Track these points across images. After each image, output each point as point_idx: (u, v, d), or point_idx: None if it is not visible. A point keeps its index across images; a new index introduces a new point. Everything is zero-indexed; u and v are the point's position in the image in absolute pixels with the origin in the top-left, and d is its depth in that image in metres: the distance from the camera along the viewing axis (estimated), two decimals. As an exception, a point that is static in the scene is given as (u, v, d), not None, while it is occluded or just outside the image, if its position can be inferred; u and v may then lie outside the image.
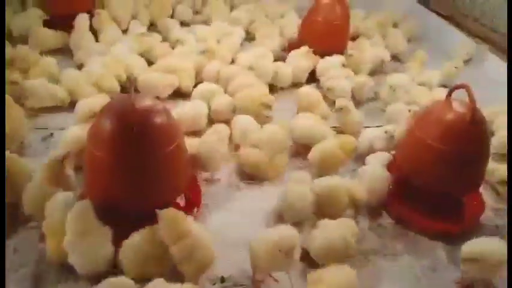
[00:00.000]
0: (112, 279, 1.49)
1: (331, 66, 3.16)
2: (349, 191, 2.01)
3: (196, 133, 2.45)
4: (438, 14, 4.26)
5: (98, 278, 1.55)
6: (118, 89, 2.73)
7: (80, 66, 2.95)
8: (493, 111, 2.80)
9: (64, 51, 3.19)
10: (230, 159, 2.38)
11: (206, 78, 2.94)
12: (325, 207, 1.99)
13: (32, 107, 2.55)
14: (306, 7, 3.53)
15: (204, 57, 3.06)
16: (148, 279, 1.55)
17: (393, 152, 2.31)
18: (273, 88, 3.04)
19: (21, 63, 2.77)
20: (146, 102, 1.68)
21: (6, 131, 2.06)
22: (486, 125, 1.97)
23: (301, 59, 3.17)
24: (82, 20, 3.22)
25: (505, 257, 1.72)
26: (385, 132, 2.36)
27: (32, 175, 1.88)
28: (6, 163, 1.84)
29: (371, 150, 2.39)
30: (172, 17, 3.84)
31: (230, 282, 1.76)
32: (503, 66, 3.43)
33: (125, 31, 3.46)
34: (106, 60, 2.89)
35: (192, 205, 2.00)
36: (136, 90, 2.71)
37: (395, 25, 4.03)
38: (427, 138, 1.97)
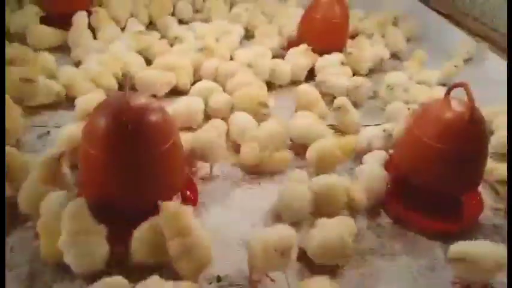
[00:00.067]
0: (107, 279, 1.48)
1: (330, 64, 3.15)
2: (347, 192, 2.00)
3: (192, 129, 2.44)
4: (438, 12, 4.24)
5: (94, 277, 1.54)
6: (116, 86, 2.71)
7: (77, 64, 2.93)
8: (492, 110, 2.79)
9: (62, 49, 3.17)
10: (228, 157, 2.37)
11: (204, 75, 2.92)
12: (323, 206, 1.98)
13: (29, 105, 2.53)
14: (306, 5, 3.51)
15: (202, 54, 3.04)
16: (145, 277, 1.54)
17: (391, 151, 2.31)
18: (271, 86, 3.02)
19: (21, 63, 2.74)
20: (141, 100, 1.66)
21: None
22: (485, 124, 1.95)
23: (300, 57, 3.15)
24: (80, 18, 3.21)
25: (499, 260, 1.72)
26: (384, 130, 2.35)
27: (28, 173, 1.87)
28: (6, 158, 1.83)
29: (370, 149, 2.37)
30: (173, 15, 3.82)
31: (226, 282, 1.75)
32: (503, 65, 3.42)
33: (123, 29, 3.44)
34: (104, 58, 2.87)
35: (188, 203, 1.98)
36: (134, 88, 2.73)
37: (395, 24, 4.01)
38: (425, 137, 1.96)
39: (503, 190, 2.20)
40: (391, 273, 1.88)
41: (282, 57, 3.24)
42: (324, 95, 2.86)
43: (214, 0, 3.94)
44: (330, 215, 1.90)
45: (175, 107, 2.44)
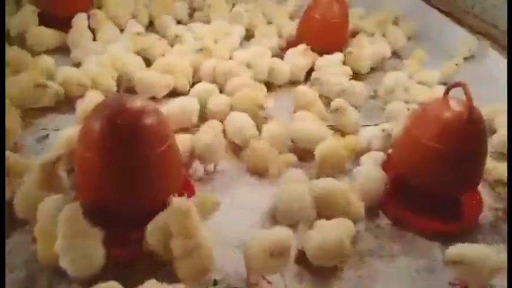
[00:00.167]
0: (102, 285, 1.46)
1: (329, 64, 3.13)
2: (346, 198, 1.98)
3: (187, 130, 2.45)
4: (439, 10, 4.21)
5: (90, 281, 1.55)
6: (114, 87, 2.70)
7: (76, 65, 2.93)
8: (494, 108, 2.78)
9: (61, 50, 3.16)
10: (226, 157, 2.37)
11: (203, 76, 2.92)
12: (322, 210, 1.96)
13: (29, 108, 2.53)
14: (305, 6, 3.50)
15: (201, 55, 3.04)
16: (142, 280, 1.53)
17: (390, 151, 2.29)
18: (270, 86, 3.02)
19: (20, 66, 2.75)
20: (137, 102, 1.65)
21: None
22: (483, 123, 1.94)
23: (299, 57, 3.14)
24: (80, 20, 3.21)
25: (497, 262, 1.71)
26: (383, 130, 2.34)
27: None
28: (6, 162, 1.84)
29: (369, 149, 2.36)
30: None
31: (223, 285, 1.74)
32: (504, 63, 3.39)
33: (123, 30, 3.43)
34: (102, 59, 2.87)
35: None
36: (133, 90, 2.73)
37: (395, 23, 3.98)
38: (423, 137, 1.95)
39: (502, 190, 2.18)
40: (389, 274, 1.87)
41: (281, 57, 3.23)
42: (322, 95, 2.85)
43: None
44: (329, 218, 1.89)
45: (170, 108, 2.44)
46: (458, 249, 1.74)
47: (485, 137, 1.95)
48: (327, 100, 2.83)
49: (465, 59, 3.50)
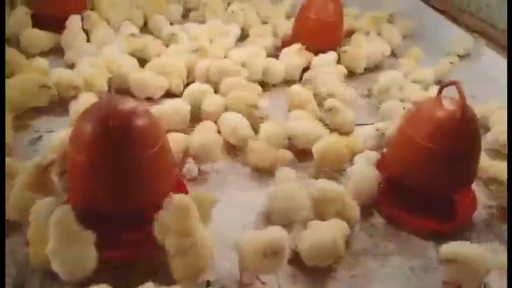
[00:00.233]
0: None
1: (325, 63, 3.13)
2: (343, 201, 1.96)
3: (181, 130, 2.43)
4: (435, 8, 4.21)
5: (82, 284, 1.54)
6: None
7: (70, 66, 2.92)
8: (488, 107, 2.78)
9: (55, 52, 3.15)
10: (220, 157, 2.36)
11: (198, 76, 2.91)
12: (318, 211, 1.95)
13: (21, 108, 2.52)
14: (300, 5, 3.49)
15: (197, 56, 3.03)
16: (135, 282, 1.52)
17: (384, 150, 2.29)
18: (265, 85, 3.01)
19: (11, 67, 2.74)
20: (128, 104, 1.65)
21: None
22: (477, 122, 1.94)
23: (294, 57, 3.14)
24: (74, 21, 3.20)
25: (490, 261, 1.72)
26: (377, 129, 2.34)
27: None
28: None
29: (365, 148, 2.36)
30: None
31: (217, 286, 1.74)
32: (500, 61, 3.40)
33: (117, 31, 3.42)
34: (97, 61, 2.86)
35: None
36: (127, 91, 2.72)
37: (390, 21, 3.98)
38: (417, 137, 1.94)
39: (496, 188, 2.17)
40: (383, 273, 1.87)
41: (276, 56, 3.22)
42: (316, 95, 2.83)
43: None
44: (324, 219, 1.89)
45: (161, 110, 2.42)
46: (452, 248, 1.74)
47: (478, 135, 1.95)
48: (321, 100, 2.81)
49: (461, 57, 3.51)
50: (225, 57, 3.14)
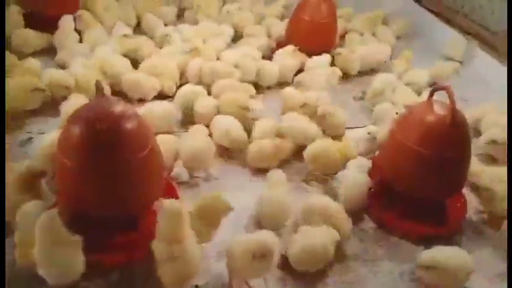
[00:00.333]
0: None
1: (318, 65, 3.12)
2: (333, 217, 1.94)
3: (171, 132, 2.45)
4: (429, 10, 4.21)
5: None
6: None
7: (62, 67, 2.90)
8: (480, 110, 2.78)
9: (47, 52, 3.13)
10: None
11: (190, 77, 2.90)
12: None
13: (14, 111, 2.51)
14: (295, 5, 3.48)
15: (190, 56, 3.02)
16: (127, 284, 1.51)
17: (376, 154, 2.29)
18: (259, 87, 3.00)
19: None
20: (116, 107, 1.63)
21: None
22: (467, 127, 1.93)
23: (287, 58, 3.13)
24: (66, 21, 3.18)
25: (470, 266, 1.75)
26: (368, 133, 2.34)
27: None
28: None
29: (358, 151, 2.37)
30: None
31: (206, 290, 1.74)
32: (492, 63, 3.40)
33: (110, 32, 3.40)
34: (89, 62, 2.85)
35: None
36: (120, 92, 2.71)
37: (384, 22, 3.98)
38: (407, 141, 1.94)
39: (484, 195, 2.16)
40: (373, 279, 1.87)
41: (270, 58, 3.22)
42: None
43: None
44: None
45: (149, 111, 2.41)
46: (431, 254, 1.77)
47: (469, 140, 1.95)
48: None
49: (454, 59, 3.52)
50: (218, 58, 3.13)
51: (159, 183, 1.82)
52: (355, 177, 2.11)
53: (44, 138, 2.15)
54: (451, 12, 4.06)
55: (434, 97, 1.98)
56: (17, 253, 1.66)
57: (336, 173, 2.25)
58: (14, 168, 1.86)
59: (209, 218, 1.76)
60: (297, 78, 2.97)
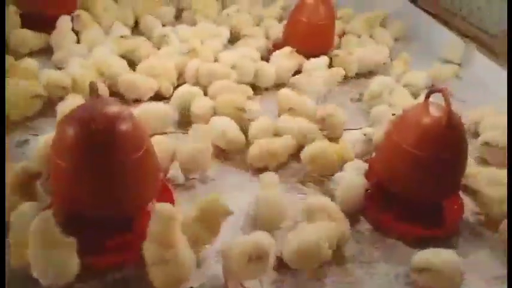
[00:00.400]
0: None
1: (316, 67, 3.12)
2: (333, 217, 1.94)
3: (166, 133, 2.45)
4: (427, 12, 4.21)
5: (64, 290, 1.53)
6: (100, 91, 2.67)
7: (59, 67, 2.90)
8: (478, 113, 2.78)
9: (44, 52, 3.13)
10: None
11: (188, 77, 2.90)
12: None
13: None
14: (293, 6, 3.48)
15: (188, 57, 3.02)
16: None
17: (372, 156, 2.29)
18: (256, 89, 3.00)
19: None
20: (111, 107, 1.63)
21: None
22: (463, 129, 1.93)
23: (285, 60, 3.13)
24: (64, 22, 3.18)
25: (463, 268, 1.74)
26: (364, 134, 2.33)
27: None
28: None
29: (354, 153, 2.36)
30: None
31: (201, 292, 1.73)
32: (490, 66, 3.40)
33: (108, 32, 3.40)
34: (87, 62, 2.85)
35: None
36: (117, 93, 2.71)
37: (382, 25, 3.98)
38: (403, 143, 1.93)
39: (478, 199, 2.15)
40: (369, 281, 1.86)
41: (268, 59, 3.21)
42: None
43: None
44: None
45: (144, 112, 2.40)
46: (425, 256, 1.76)
47: (465, 142, 1.94)
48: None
49: (452, 62, 3.52)
50: (216, 59, 3.13)
51: (154, 184, 1.82)
52: (351, 179, 2.11)
53: (40, 139, 2.15)
54: (449, 14, 4.06)
55: (432, 99, 1.98)
56: (11, 254, 1.65)
57: (333, 175, 2.24)
58: (11, 170, 1.85)
59: (209, 222, 1.75)
60: (291, 80, 2.96)
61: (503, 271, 1.94)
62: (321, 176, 2.32)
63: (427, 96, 1.97)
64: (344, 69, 3.17)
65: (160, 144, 2.14)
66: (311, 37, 3.26)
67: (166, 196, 2.01)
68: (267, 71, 3.03)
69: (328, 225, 1.85)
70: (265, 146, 2.32)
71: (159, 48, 3.20)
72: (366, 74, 3.36)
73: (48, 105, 2.58)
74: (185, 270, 1.60)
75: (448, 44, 3.71)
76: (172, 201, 2.01)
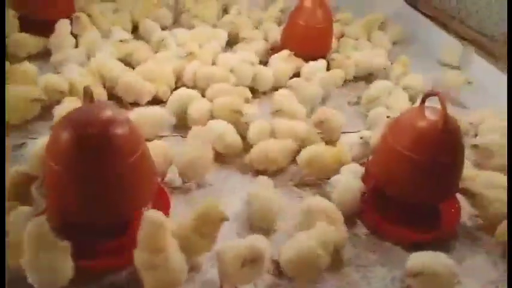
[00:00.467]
0: None
1: (314, 70, 3.12)
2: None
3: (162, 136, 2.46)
4: (425, 15, 4.21)
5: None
6: (99, 95, 2.68)
7: (56, 69, 2.90)
8: (477, 116, 2.78)
9: (42, 56, 3.12)
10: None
11: (186, 80, 2.91)
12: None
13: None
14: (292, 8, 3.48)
15: (186, 61, 3.02)
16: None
17: (369, 158, 2.28)
18: (254, 92, 2.99)
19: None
20: (106, 111, 1.62)
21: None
22: (460, 132, 1.93)
23: (282, 63, 3.13)
24: (63, 25, 3.18)
25: (456, 271, 1.74)
26: (361, 138, 2.33)
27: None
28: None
29: (351, 156, 2.36)
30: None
31: (196, 295, 1.73)
32: (489, 69, 3.39)
33: (107, 36, 3.40)
34: (86, 65, 2.86)
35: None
36: (115, 96, 2.72)
37: (381, 28, 3.98)
38: (398, 146, 1.93)
39: (475, 201, 2.14)
40: (365, 284, 1.86)
41: (267, 63, 3.22)
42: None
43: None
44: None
45: (140, 116, 2.40)
46: (418, 260, 1.76)
47: (461, 146, 1.94)
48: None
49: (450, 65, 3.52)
50: (214, 63, 3.13)
51: (150, 188, 1.81)
52: (348, 182, 2.10)
53: (37, 143, 2.14)
54: (448, 17, 4.06)
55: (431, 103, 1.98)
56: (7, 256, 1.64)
57: (329, 178, 2.24)
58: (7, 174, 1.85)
59: (206, 228, 1.74)
60: (289, 83, 2.96)
61: (500, 275, 1.95)
62: (318, 179, 2.32)
63: (423, 100, 1.97)
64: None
65: (157, 148, 2.14)
66: (309, 40, 3.26)
67: (162, 200, 2.01)
68: (265, 75, 3.03)
69: (325, 231, 1.82)
70: (266, 149, 2.33)
71: (156, 52, 3.20)
72: (364, 77, 3.36)
73: (46, 109, 2.58)
74: (176, 275, 1.60)
75: (446, 47, 3.71)
76: (168, 205, 2.01)
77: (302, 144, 2.38)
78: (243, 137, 2.46)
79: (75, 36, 3.20)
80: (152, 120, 2.44)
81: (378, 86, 2.98)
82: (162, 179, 2.18)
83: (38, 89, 2.59)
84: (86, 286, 1.69)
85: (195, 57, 3.04)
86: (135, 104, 2.74)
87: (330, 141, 2.52)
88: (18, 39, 3.10)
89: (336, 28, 3.61)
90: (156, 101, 2.79)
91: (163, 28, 3.60)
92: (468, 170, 2.21)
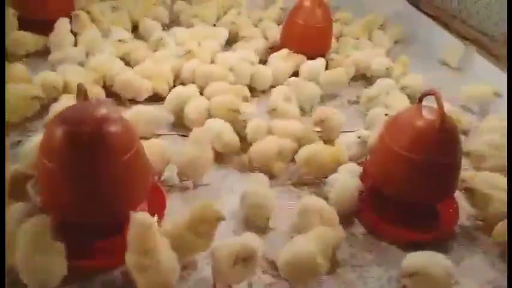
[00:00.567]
0: None
1: (313, 69, 3.10)
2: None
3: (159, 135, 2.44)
4: (427, 14, 4.19)
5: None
6: (98, 93, 2.68)
7: (55, 67, 2.89)
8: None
9: (41, 54, 3.12)
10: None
11: (184, 78, 2.90)
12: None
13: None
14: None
15: (185, 59, 3.01)
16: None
17: (366, 158, 2.27)
18: (253, 91, 2.98)
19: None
20: (100, 109, 1.62)
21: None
22: (457, 132, 1.91)
23: (281, 62, 3.11)
24: (63, 24, 3.18)
25: (452, 271, 1.73)
26: (358, 137, 2.32)
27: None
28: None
29: (349, 155, 2.35)
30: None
31: (190, 295, 1.72)
32: (490, 69, 3.37)
33: (106, 34, 3.40)
34: (85, 63, 2.86)
35: (154, 214, 1.93)
36: (113, 93, 2.71)
37: (381, 28, 3.97)
38: (395, 146, 1.91)
39: (474, 200, 2.13)
40: (361, 284, 1.84)
41: (266, 62, 3.21)
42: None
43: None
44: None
45: (138, 114, 2.40)
46: (414, 260, 1.75)
47: (459, 145, 1.92)
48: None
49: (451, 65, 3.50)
50: (213, 61, 3.12)
51: (144, 187, 1.80)
52: (345, 181, 2.09)
53: (32, 140, 2.14)
54: (449, 16, 4.04)
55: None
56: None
57: (327, 177, 2.22)
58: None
59: (202, 227, 1.73)
60: (287, 82, 2.94)
61: (497, 275, 1.93)
62: (316, 178, 2.31)
63: (420, 99, 1.96)
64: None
65: (155, 147, 2.14)
66: (308, 39, 3.24)
67: (158, 199, 2.00)
68: (263, 74, 3.02)
69: (323, 234, 1.80)
70: (265, 148, 2.31)
71: (155, 51, 3.19)
72: (364, 76, 3.34)
73: (42, 107, 2.57)
74: (168, 275, 1.59)
75: (447, 46, 3.69)
76: (163, 204, 2.00)
77: (299, 143, 2.37)
78: (241, 136, 2.45)
79: (75, 35, 3.20)
80: (149, 118, 2.44)
81: (377, 84, 2.96)
82: (159, 177, 2.17)
83: (37, 87, 2.58)
84: (80, 285, 1.68)
85: (193, 55, 3.04)
86: (134, 101, 2.73)
87: (328, 141, 2.50)
88: (17, 38, 3.10)
89: (336, 28, 3.60)
90: (155, 98, 2.79)
91: (162, 27, 3.59)
92: (467, 169, 2.20)
